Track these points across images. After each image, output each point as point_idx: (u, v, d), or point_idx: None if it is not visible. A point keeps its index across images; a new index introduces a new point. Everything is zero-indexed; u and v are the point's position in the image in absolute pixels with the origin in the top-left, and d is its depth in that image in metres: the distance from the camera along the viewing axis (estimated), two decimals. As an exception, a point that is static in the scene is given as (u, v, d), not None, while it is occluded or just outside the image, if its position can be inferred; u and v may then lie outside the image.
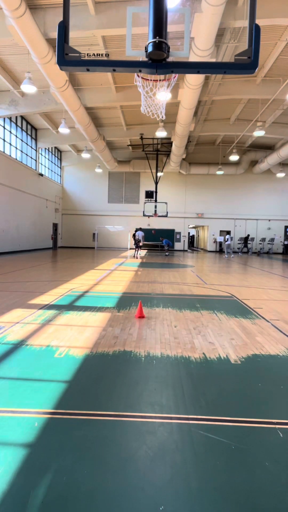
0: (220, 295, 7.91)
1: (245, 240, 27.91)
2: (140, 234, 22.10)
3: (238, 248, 29.66)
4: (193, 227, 39.65)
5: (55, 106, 16.83)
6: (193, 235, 43.01)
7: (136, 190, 30.28)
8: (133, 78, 4.73)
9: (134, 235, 27.22)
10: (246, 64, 3.12)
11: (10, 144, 20.30)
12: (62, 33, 3.12)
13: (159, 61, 3.17)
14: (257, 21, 3.10)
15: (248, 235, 28.75)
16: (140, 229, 25.50)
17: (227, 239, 22.55)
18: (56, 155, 28.97)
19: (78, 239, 30.41)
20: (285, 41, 12.46)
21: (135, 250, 21.18)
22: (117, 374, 3.28)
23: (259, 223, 30.15)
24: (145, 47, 3.15)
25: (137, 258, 19.68)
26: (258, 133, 18.06)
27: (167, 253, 23.62)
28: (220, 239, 29.84)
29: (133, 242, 27.05)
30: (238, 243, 29.58)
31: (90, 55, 3.35)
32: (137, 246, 21.38)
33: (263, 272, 13.72)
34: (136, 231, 27.13)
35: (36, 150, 24.14)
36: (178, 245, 30.48)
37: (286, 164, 28.07)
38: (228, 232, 25.16)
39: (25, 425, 2.39)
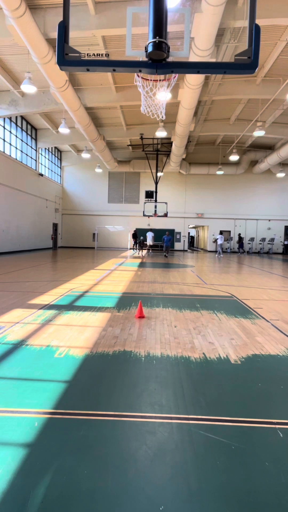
0: (220, 295, 7.91)
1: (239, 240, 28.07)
2: (150, 235, 22.42)
3: (238, 249, 29.69)
4: (193, 227, 39.65)
5: (55, 106, 16.83)
6: (193, 235, 43.01)
7: (136, 190, 30.28)
8: (133, 78, 4.73)
9: (135, 235, 27.32)
10: (246, 64, 3.12)
11: (10, 144, 20.30)
12: (62, 33, 3.11)
13: (159, 61, 3.17)
14: (257, 21, 3.10)
15: (239, 234, 29.00)
16: (151, 230, 25.65)
17: (218, 238, 23.19)
18: (56, 155, 28.97)
19: (78, 239, 30.41)
20: (285, 41, 12.46)
21: (147, 251, 22.25)
22: (117, 374, 3.28)
23: (259, 223, 30.15)
24: (145, 47, 3.15)
25: (142, 257, 20.75)
26: (258, 133, 18.06)
27: (166, 254, 21.60)
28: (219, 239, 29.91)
29: (133, 242, 27.24)
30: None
31: (90, 55, 3.36)
32: (149, 247, 22.29)
33: (263, 272, 13.72)
34: (135, 231, 27.19)
35: (36, 150, 24.14)
36: (178, 245, 30.48)
37: (286, 164, 28.06)
38: (221, 232, 25.22)
39: (25, 425, 2.39)
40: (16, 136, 21.07)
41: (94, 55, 3.46)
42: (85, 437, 2.27)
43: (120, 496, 1.79)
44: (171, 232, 30.21)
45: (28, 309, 5.86)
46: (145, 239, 24.89)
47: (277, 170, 27.76)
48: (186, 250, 30.55)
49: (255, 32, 3.07)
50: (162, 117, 6.36)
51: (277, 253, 29.67)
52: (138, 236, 25.64)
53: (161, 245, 28.93)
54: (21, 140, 21.85)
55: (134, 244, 27.03)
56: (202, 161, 28.53)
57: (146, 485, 1.87)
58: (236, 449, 2.19)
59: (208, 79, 15.25)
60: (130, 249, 28.36)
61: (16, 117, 20.73)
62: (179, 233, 30.62)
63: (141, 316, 5.51)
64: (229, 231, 30.33)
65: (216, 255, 23.49)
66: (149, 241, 24.86)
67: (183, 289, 8.69)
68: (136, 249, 26.78)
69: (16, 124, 21.03)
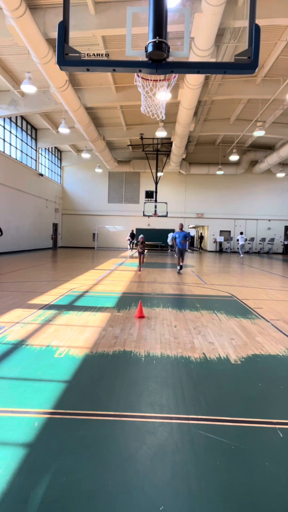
0: (220, 295, 7.91)
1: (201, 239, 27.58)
2: (172, 236, 22.13)
3: (237, 248, 29.67)
4: (193, 227, 39.65)
5: (55, 106, 16.83)
6: (193, 235, 43.01)
7: (136, 190, 30.28)
8: (133, 78, 4.73)
9: (132, 235, 27.03)
10: (246, 64, 3.12)
11: (10, 144, 20.30)
12: (62, 33, 3.11)
13: (159, 61, 3.17)
14: (257, 21, 3.09)
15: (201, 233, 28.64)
16: (174, 231, 25.51)
17: (239, 239, 22.47)
18: (56, 155, 28.96)
19: (78, 239, 30.40)
20: (285, 41, 12.45)
21: (172, 251, 21.86)
22: (117, 374, 3.28)
23: (259, 223, 30.15)
24: (145, 47, 3.15)
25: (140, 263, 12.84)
26: (258, 133, 18.06)
27: (179, 268, 12.15)
28: (220, 239, 29.86)
29: (131, 244, 26.76)
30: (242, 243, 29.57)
31: (90, 55, 3.35)
32: (171, 248, 21.74)
33: (263, 272, 13.71)
34: (132, 232, 26.82)
35: (36, 150, 24.13)
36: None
37: (286, 164, 28.06)
38: (241, 233, 23.94)
39: (25, 425, 2.39)
40: (16, 136, 21.06)
41: (94, 55, 3.46)
42: (85, 437, 2.27)
43: (120, 496, 1.79)
44: (171, 232, 30.04)
45: (28, 309, 5.86)
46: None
47: (277, 170, 27.75)
48: (186, 250, 30.52)
49: (255, 32, 3.07)
50: (162, 117, 6.36)
51: (277, 253, 29.67)
52: (136, 236, 25.43)
53: (161, 245, 28.84)
54: (21, 140, 21.85)
55: (132, 244, 26.74)
56: (202, 161, 28.52)
57: (146, 485, 1.87)
58: (236, 449, 2.19)
59: (208, 79, 15.25)
60: (131, 249, 28.32)
61: (16, 117, 20.72)
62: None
63: (141, 316, 5.51)
64: (229, 231, 30.34)
65: (240, 256, 22.52)
66: (170, 242, 25.31)
67: (183, 289, 8.68)
68: (132, 248, 26.55)
69: (16, 124, 21.02)
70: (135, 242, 21.77)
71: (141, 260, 12.68)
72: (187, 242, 12.53)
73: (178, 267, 12.12)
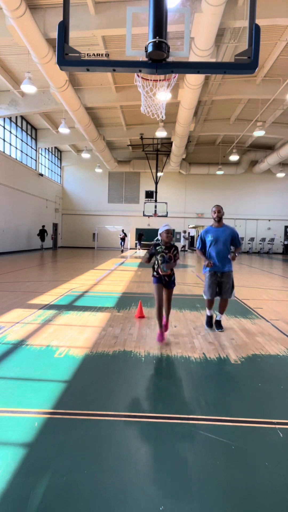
0: (220, 295, 7.90)
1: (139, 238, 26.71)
2: (199, 237, 21.51)
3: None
4: (193, 227, 39.66)
5: (55, 106, 16.83)
6: (193, 235, 42.99)
7: (136, 190, 30.28)
8: (133, 78, 4.72)
9: (124, 237, 26.05)
10: (246, 64, 3.12)
11: (10, 144, 20.30)
12: (62, 33, 3.11)
13: (159, 61, 3.17)
14: (257, 21, 3.09)
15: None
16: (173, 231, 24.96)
17: None
18: (56, 155, 28.96)
19: (78, 239, 30.41)
20: (285, 41, 12.45)
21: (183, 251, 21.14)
22: (117, 374, 3.28)
23: (259, 223, 30.15)
24: (145, 47, 3.15)
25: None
26: (258, 133, 18.06)
27: (218, 326, 4.97)
28: None
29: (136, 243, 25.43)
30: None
31: (90, 55, 3.35)
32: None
33: (262, 272, 13.71)
34: (125, 233, 25.54)
35: (36, 150, 24.14)
36: (178, 245, 30.46)
37: (286, 164, 28.06)
38: None
39: (25, 425, 2.39)
40: (16, 136, 21.07)
41: (94, 55, 3.45)
42: (85, 437, 2.27)
43: (120, 496, 1.79)
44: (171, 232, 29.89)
45: (28, 309, 5.86)
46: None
47: (277, 170, 27.75)
48: (187, 250, 30.53)
49: (255, 32, 3.07)
50: (162, 117, 6.35)
51: (277, 253, 29.67)
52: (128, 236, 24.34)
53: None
54: (21, 140, 21.85)
55: (123, 246, 26.01)
56: (202, 161, 28.52)
57: (146, 485, 1.87)
58: (236, 449, 2.19)
59: (208, 79, 15.25)
60: (131, 249, 28.27)
61: (16, 117, 20.72)
62: (179, 233, 30.63)
63: (141, 316, 5.51)
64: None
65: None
66: (182, 242, 24.80)
67: (183, 289, 8.68)
68: (123, 250, 25.84)
69: (16, 124, 21.03)
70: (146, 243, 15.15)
71: (166, 309, 4.53)
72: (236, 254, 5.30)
73: (220, 328, 4.94)
